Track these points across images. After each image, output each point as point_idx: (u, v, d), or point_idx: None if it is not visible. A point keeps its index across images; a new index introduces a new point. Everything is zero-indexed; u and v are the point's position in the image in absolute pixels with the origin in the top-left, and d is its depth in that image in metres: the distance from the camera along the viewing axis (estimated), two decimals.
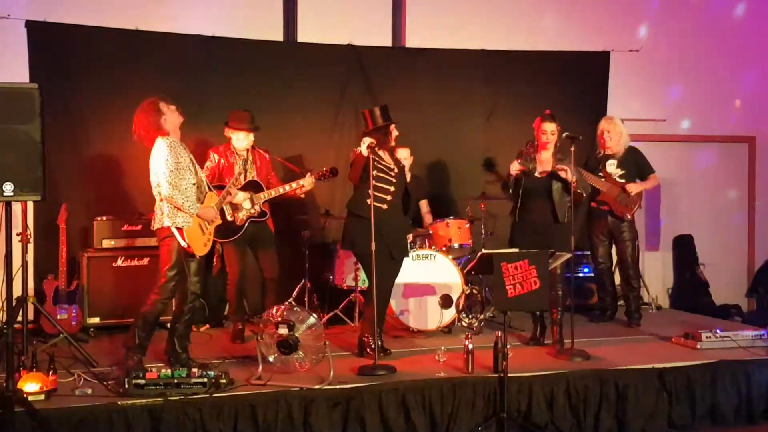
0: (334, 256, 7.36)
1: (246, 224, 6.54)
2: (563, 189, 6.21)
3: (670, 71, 9.01)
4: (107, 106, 7.23)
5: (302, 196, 6.83)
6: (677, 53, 9.03)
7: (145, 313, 5.45)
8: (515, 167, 6.22)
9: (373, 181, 5.77)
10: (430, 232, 7.36)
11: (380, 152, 6.00)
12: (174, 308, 5.71)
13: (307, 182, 6.62)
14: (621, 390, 5.49)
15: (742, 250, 9.40)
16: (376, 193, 5.84)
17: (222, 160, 6.58)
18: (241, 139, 6.60)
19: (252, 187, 6.60)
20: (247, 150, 6.67)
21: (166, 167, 5.27)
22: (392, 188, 5.96)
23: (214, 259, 7.04)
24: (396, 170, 6.07)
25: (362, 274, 6.82)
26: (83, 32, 7.25)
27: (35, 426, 4.46)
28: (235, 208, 6.52)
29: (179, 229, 5.31)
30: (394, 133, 6.05)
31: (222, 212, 6.37)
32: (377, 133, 5.93)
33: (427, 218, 7.59)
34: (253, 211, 6.56)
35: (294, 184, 6.63)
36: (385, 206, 5.90)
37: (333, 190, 7.81)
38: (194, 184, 5.43)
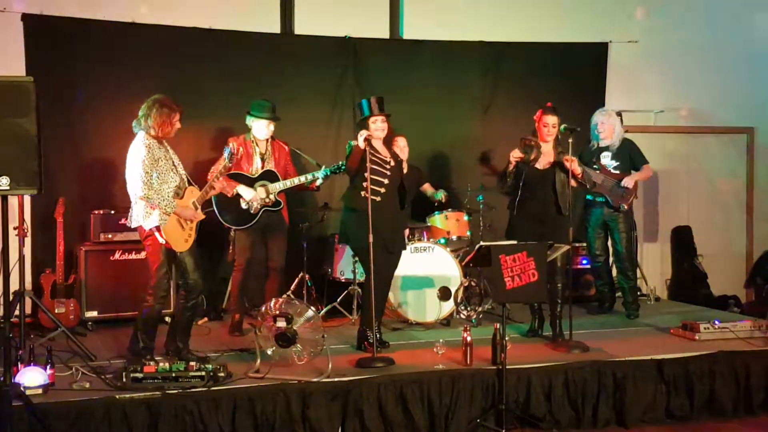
0: (333, 248, 7.36)
1: (260, 213, 6.55)
2: (566, 181, 6.20)
3: (668, 62, 8.99)
4: (103, 99, 7.22)
5: (316, 189, 6.82)
6: (676, 44, 9.01)
7: (144, 316, 5.46)
8: (515, 154, 6.20)
9: (372, 176, 5.78)
10: (428, 225, 7.35)
11: (376, 144, 5.98)
12: (175, 303, 5.70)
13: (321, 176, 6.62)
14: (619, 381, 5.49)
15: (740, 241, 9.42)
16: (372, 186, 5.83)
17: (240, 149, 6.59)
18: (262, 128, 6.61)
19: (267, 176, 6.61)
20: (267, 140, 6.68)
21: (142, 168, 5.25)
22: (386, 181, 5.94)
23: (230, 248, 7.03)
24: (392, 163, 6.05)
25: (360, 267, 6.81)
26: (79, 25, 7.23)
27: (33, 420, 4.45)
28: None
29: (156, 227, 5.30)
30: (383, 125, 5.97)
31: (236, 200, 6.50)
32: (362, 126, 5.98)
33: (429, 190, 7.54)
34: (267, 200, 6.57)
35: (310, 176, 6.64)
36: (378, 198, 5.87)
37: (332, 183, 7.78)
38: (176, 185, 5.42)
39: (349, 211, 6.03)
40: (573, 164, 6.11)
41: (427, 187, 7.61)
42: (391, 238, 5.93)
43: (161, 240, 5.30)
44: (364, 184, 5.80)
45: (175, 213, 5.35)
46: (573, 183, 6.17)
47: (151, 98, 5.41)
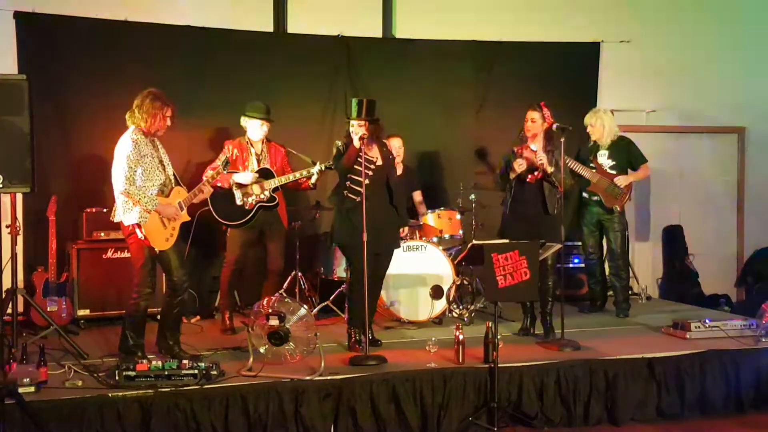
0: (325, 247, 7.36)
1: (255, 209, 6.56)
2: (552, 183, 6.22)
3: (660, 62, 9.01)
4: (96, 97, 7.20)
5: (313, 187, 6.82)
6: (668, 44, 9.04)
7: (131, 314, 5.46)
8: (521, 165, 6.19)
9: (351, 175, 5.83)
10: (421, 223, 7.37)
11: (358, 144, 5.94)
12: (163, 301, 5.69)
13: (315, 171, 6.62)
14: (611, 380, 5.52)
15: (731, 241, 9.44)
16: (353, 186, 5.86)
17: (236, 151, 6.61)
18: (255, 129, 6.63)
19: (262, 174, 6.63)
20: (262, 141, 6.69)
21: (126, 163, 5.26)
22: (367, 181, 5.80)
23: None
24: (380, 163, 6.03)
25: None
26: (72, 23, 7.21)
27: (25, 418, 4.45)
28: (245, 193, 6.56)
29: (137, 224, 5.30)
30: (361, 130, 5.83)
31: (231, 196, 6.52)
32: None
33: (421, 208, 7.56)
34: (262, 196, 6.58)
35: (305, 172, 6.64)
36: (357, 198, 5.84)
37: (324, 182, 7.79)
38: (162, 183, 5.42)
39: (335, 211, 6.10)
40: (544, 163, 6.13)
41: (417, 195, 7.61)
42: (375, 237, 5.72)
43: (140, 236, 5.30)
44: (347, 183, 5.89)
45: (156, 211, 5.34)
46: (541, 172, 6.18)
47: (146, 90, 5.42)
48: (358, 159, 5.79)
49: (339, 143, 6.02)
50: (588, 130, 7.36)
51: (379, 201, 5.97)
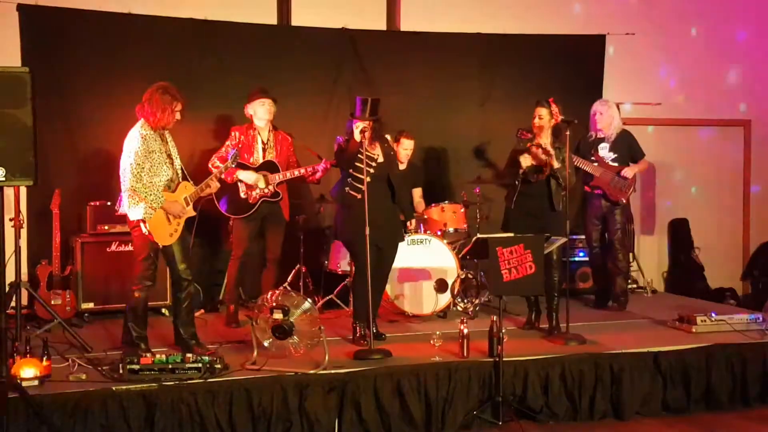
0: (329, 241, 7.36)
1: (259, 203, 6.54)
2: (558, 178, 6.20)
3: (666, 55, 8.99)
4: (99, 90, 7.20)
5: (317, 182, 6.81)
6: (673, 36, 9.01)
7: (132, 307, 5.46)
8: (526, 162, 6.18)
9: (352, 171, 5.82)
10: (425, 216, 7.35)
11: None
12: (171, 296, 5.69)
13: (321, 167, 6.60)
14: (616, 374, 5.50)
15: (737, 234, 9.42)
16: (354, 182, 5.85)
17: (242, 137, 6.58)
18: (260, 110, 6.56)
19: (268, 167, 6.60)
20: (269, 130, 6.66)
21: (134, 159, 5.24)
22: (368, 178, 5.77)
23: (230, 238, 7.02)
24: (381, 160, 6.02)
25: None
26: (75, 16, 7.20)
27: (29, 412, 4.46)
28: (249, 186, 6.54)
29: (142, 219, 5.28)
30: (361, 125, 5.82)
31: (235, 188, 6.52)
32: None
33: (419, 207, 7.52)
34: (266, 190, 6.56)
35: (310, 168, 6.62)
36: (359, 195, 5.81)
37: (328, 176, 7.78)
38: (169, 179, 5.40)
39: (338, 206, 6.09)
40: (537, 150, 6.12)
41: (417, 193, 7.56)
42: (377, 233, 5.73)
43: (145, 231, 5.29)
44: (348, 179, 5.88)
45: (162, 208, 5.33)
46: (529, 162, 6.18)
47: (156, 84, 5.40)
48: (359, 156, 5.78)
49: (340, 139, 5.99)
50: (596, 117, 7.27)
51: (381, 197, 5.96)
